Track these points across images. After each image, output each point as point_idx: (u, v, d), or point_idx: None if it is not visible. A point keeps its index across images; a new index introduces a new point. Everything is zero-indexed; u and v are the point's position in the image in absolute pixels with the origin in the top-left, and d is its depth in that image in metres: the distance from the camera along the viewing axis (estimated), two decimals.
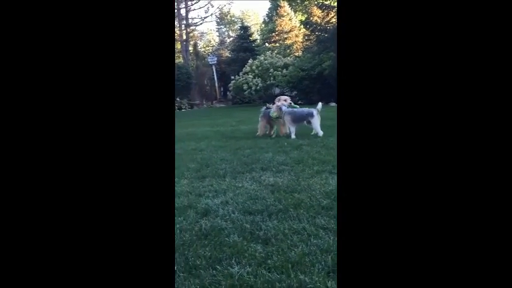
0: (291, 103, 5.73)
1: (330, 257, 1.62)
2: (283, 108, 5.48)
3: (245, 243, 1.81)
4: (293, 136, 5.32)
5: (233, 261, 1.63)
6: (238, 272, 1.54)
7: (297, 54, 20.32)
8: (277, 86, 17.38)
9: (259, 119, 6.03)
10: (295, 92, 16.95)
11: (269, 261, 1.62)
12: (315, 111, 5.34)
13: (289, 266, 1.56)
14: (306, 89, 15.66)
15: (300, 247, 1.74)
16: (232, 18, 34.74)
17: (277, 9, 26.00)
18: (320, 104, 5.55)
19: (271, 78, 16.83)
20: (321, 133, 5.29)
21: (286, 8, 25.62)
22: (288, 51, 21.77)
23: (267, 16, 29.79)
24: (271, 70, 16.85)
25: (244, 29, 22.10)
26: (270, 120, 5.84)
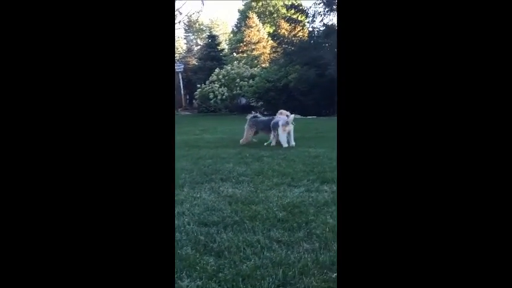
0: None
1: (281, 270, 1.63)
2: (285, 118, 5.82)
3: (198, 256, 1.79)
4: (288, 143, 5.58)
5: (184, 275, 1.62)
6: (187, 286, 1.52)
7: (264, 65, 20.53)
8: (243, 96, 17.45)
9: (246, 127, 6.11)
10: (261, 103, 17.07)
11: (220, 274, 1.61)
12: (280, 122, 5.48)
13: (240, 279, 1.56)
14: (271, 100, 15.80)
15: (253, 260, 1.74)
16: (201, 27, 34.71)
17: (246, 20, 26.26)
18: (292, 116, 5.72)
19: (238, 88, 16.89)
20: (285, 145, 5.39)
21: (254, 19, 25.92)
22: (256, 61, 21.96)
23: (235, 26, 30.02)
24: (238, 80, 16.91)
25: (212, 37, 22.09)
26: (259, 130, 6.05)
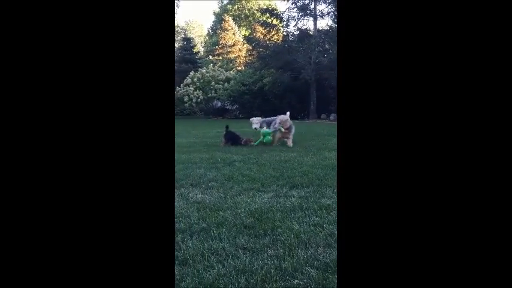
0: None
1: (244, 277, 1.64)
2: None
3: None
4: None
5: None
6: None
7: (239, 68, 20.58)
8: (218, 99, 17.43)
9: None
10: (236, 106, 17.09)
11: (183, 283, 1.61)
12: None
13: None
14: (246, 104, 15.85)
15: (216, 268, 1.75)
16: (176, 29, 34.47)
17: (222, 23, 26.24)
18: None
19: (213, 91, 16.86)
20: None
21: (230, 22, 25.95)
22: (231, 64, 21.98)
23: (211, 29, 29.95)
24: (213, 83, 16.88)
25: (187, 40, 22.00)
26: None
